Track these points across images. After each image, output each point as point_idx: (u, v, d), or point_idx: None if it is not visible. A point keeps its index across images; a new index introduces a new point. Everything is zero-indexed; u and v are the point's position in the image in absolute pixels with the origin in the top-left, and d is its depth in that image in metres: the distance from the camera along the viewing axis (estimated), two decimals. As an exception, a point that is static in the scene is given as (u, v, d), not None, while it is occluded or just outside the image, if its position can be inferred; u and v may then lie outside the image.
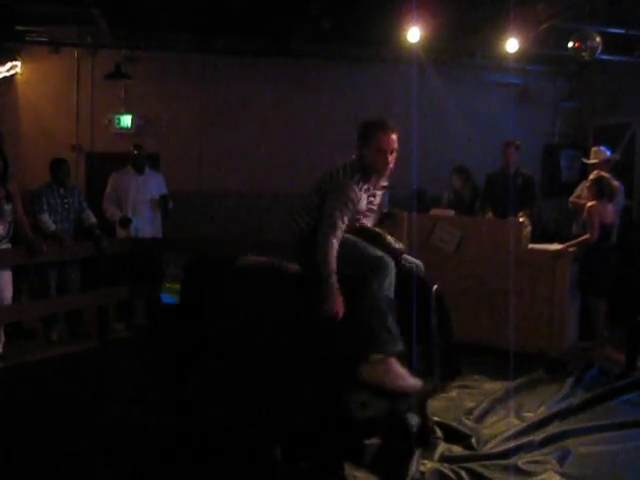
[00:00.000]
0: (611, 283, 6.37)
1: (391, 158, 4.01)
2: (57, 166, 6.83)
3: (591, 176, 6.53)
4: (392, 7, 7.67)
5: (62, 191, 6.78)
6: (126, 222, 7.16)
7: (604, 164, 6.98)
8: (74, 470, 3.79)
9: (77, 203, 6.90)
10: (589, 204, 6.32)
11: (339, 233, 3.86)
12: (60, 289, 6.77)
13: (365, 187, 4.04)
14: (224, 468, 3.74)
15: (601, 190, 6.34)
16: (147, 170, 7.47)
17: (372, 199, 4.16)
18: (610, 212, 6.36)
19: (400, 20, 7.89)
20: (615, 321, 6.59)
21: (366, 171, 4.02)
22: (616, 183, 6.49)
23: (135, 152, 7.39)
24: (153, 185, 7.44)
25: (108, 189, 7.33)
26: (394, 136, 4.01)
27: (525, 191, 7.03)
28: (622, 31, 8.15)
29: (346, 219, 3.90)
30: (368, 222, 4.22)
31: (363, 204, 4.06)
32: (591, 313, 6.45)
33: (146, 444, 3.99)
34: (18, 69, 9.42)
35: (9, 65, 9.30)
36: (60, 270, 6.74)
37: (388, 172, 4.08)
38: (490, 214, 7.10)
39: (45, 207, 6.60)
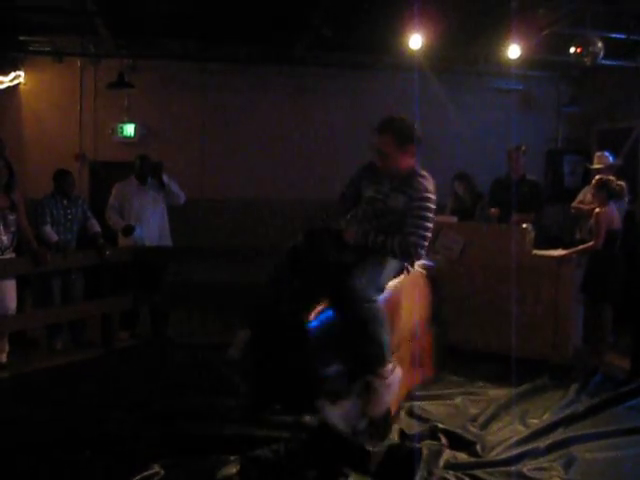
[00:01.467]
0: (617, 288, 6.36)
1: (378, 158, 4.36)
2: (61, 178, 6.84)
3: (594, 181, 6.50)
4: (394, 14, 7.68)
5: (65, 202, 6.79)
6: (129, 230, 7.16)
7: (608, 169, 6.98)
8: (78, 478, 3.79)
9: (81, 214, 6.90)
10: (597, 210, 6.28)
11: None
12: (64, 298, 6.78)
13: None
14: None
15: (608, 193, 6.30)
16: (149, 180, 7.45)
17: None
18: (617, 218, 6.34)
19: (402, 27, 7.90)
20: (620, 326, 6.57)
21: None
22: (621, 182, 6.46)
23: (138, 163, 7.38)
24: (155, 193, 7.42)
25: (111, 199, 7.32)
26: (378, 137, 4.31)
27: (531, 197, 7.02)
28: (623, 36, 8.15)
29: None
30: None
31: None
32: (596, 319, 6.43)
33: (150, 453, 3.98)
34: (21, 79, 9.46)
35: (12, 75, 9.33)
36: (64, 279, 6.75)
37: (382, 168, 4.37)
38: (492, 210, 7.10)
39: (48, 218, 6.61)
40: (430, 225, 4.23)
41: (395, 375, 4.09)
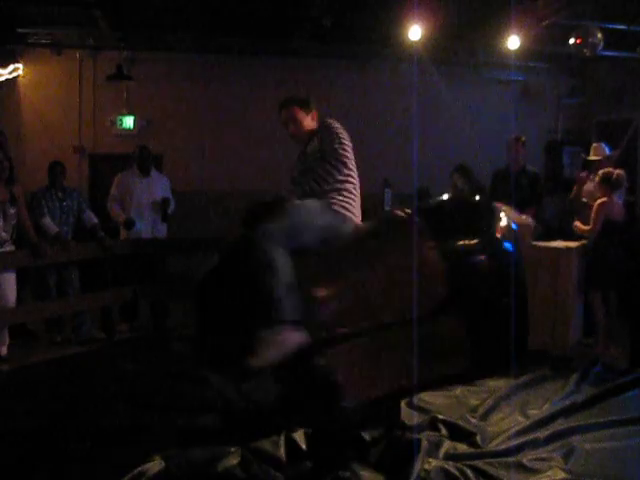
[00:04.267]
0: (612, 279, 6.38)
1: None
2: (51, 169, 6.87)
3: (599, 174, 6.54)
4: (393, 5, 7.68)
5: (60, 194, 6.79)
6: (130, 224, 7.15)
7: (606, 161, 6.99)
8: (78, 471, 3.79)
9: (76, 206, 6.90)
10: (599, 201, 6.35)
11: None
12: (59, 291, 6.77)
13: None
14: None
15: (611, 185, 6.36)
16: (153, 172, 7.45)
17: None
18: (618, 209, 6.38)
19: (401, 18, 7.89)
20: (621, 317, 6.58)
21: None
22: (620, 172, 6.49)
23: (138, 153, 7.37)
24: (158, 187, 7.40)
25: (113, 189, 7.29)
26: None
27: (531, 189, 7.01)
28: (624, 27, 8.14)
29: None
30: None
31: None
32: (597, 309, 6.45)
33: (151, 444, 3.98)
34: (20, 71, 9.44)
35: (11, 67, 9.31)
36: (58, 272, 6.74)
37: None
38: None
39: (45, 210, 6.61)
40: (340, 161, 4.27)
41: (285, 336, 3.63)
